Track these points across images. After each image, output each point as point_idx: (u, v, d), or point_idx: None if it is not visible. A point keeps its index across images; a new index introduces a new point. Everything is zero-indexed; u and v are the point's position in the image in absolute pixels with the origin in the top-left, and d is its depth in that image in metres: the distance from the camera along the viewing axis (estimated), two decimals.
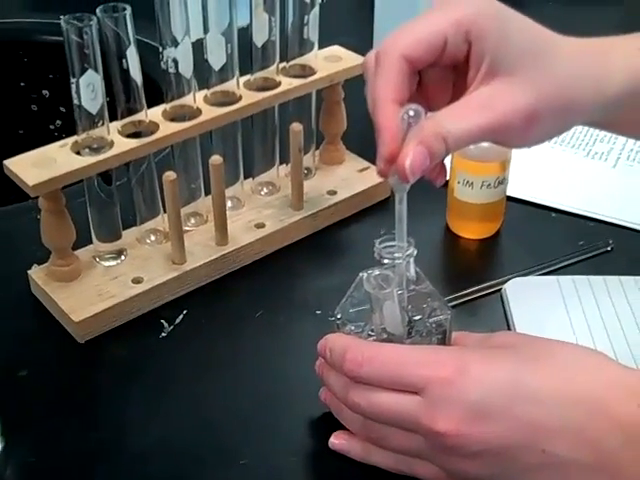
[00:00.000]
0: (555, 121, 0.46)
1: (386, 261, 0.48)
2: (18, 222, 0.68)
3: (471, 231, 0.66)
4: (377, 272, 0.46)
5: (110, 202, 0.60)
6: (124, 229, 0.62)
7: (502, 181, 0.63)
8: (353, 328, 0.49)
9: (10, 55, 0.92)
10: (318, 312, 0.59)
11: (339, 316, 0.50)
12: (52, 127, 0.94)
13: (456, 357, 0.43)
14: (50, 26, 0.91)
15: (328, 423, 0.50)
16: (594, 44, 0.48)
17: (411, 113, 0.43)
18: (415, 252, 0.48)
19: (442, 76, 0.47)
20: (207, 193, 0.63)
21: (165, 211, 0.61)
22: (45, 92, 0.93)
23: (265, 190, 0.68)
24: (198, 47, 0.60)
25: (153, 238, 0.63)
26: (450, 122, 0.43)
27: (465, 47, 0.44)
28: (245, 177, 0.67)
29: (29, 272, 0.60)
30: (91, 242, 0.61)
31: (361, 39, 0.80)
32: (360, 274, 0.48)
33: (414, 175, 0.43)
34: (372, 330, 0.48)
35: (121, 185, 0.61)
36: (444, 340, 0.49)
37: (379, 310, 0.47)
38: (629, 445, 0.40)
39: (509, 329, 0.58)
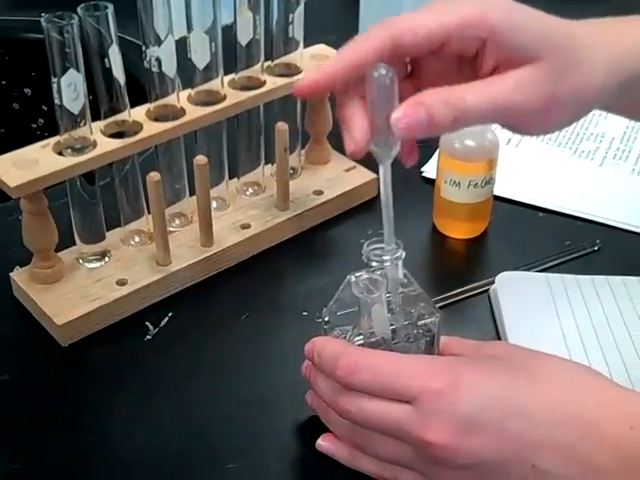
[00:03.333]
0: (574, 106, 0.45)
1: (374, 264, 0.47)
2: None
3: (458, 231, 0.65)
4: (365, 276, 0.46)
5: (93, 203, 0.59)
6: (108, 230, 0.61)
7: (489, 181, 0.63)
8: (341, 331, 0.49)
9: None
10: (305, 313, 0.59)
11: (327, 319, 0.49)
12: (34, 126, 0.93)
13: (449, 368, 0.43)
14: (32, 24, 0.90)
15: (315, 426, 0.49)
16: (607, 26, 0.47)
17: (382, 71, 0.41)
18: (403, 255, 0.47)
19: (443, 67, 0.46)
20: (192, 193, 0.63)
21: (149, 212, 0.60)
22: (27, 90, 0.92)
23: (250, 190, 0.67)
24: (182, 46, 0.60)
25: (137, 239, 0.62)
26: (468, 94, 0.42)
27: (476, 43, 0.44)
28: (230, 177, 0.66)
29: (11, 274, 0.60)
30: (74, 243, 0.61)
31: (347, 37, 0.79)
32: (348, 277, 0.48)
33: (405, 132, 0.41)
34: (360, 333, 0.47)
35: (104, 185, 0.60)
36: (432, 343, 0.49)
37: (367, 314, 0.46)
38: (619, 466, 0.40)
39: (497, 328, 0.57)
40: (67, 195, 0.59)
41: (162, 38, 0.57)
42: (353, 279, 0.47)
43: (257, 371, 0.55)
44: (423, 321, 0.48)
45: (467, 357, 0.46)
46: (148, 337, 0.57)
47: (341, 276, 0.51)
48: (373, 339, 0.47)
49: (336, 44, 0.70)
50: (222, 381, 0.55)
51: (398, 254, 0.47)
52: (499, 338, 0.57)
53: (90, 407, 0.53)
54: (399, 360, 0.44)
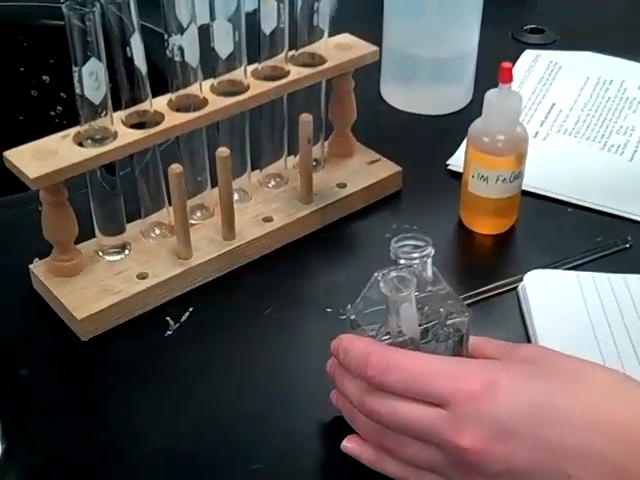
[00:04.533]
0: None
1: (402, 261, 0.46)
2: (18, 213, 0.65)
3: (485, 226, 0.64)
4: (394, 274, 0.44)
5: (113, 193, 0.58)
6: (127, 222, 0.60)
7: (518, 175, 0.61)
8: (368, 329, 0.47)
9: (10, 39, 0.89)
10: (328, 310, 0.58)
11: (353, 317, 0.48)
12: (53, 113, 0.92)
13: (484, 372, 0.42)
14: (51, 10, 0.89)
15: (340, 427, 0.48)
16: None
17: None
18: (433, 252, 0.46)
19: None
20: (213, 185, 0.62)
21: (170, 203, 0.59)
22: (45, 77, 0.91)
23: (272, 182, 0.66)
24: (204, 34, 0.58)
25: (158, 232, 0.61)
26: None
27: None
28: (252, 169, 0.65)
29: (30, 267, 0.58)
30: (93, 235, 0.60)
31: (370, 26, 0.77)
32: (375, 274, 0.47)
33: None
34: (388, 332, 0.46)
35: (124, 176, 0.59)
36: (461, 343, 0.47)
37: (395, 312, 0.45)
38: None
39: (525, 327, 0.56)
40: (87, 185, 0.57)
41: (185, 26, 0.56)
42: (381, 277, 0.45)
43: (280, 368, 0.54)
44: (452, 320, 0.47)
45: (501, 360, 0.45)
46: (169, 332, 0.56)
47: (365, 271, 0.49)
48: (401, 339, 0.46)
49: (360, 32, 0.69)
50: (244, 378, 0.53)
51: (427, 251, 0.46)
52: (528, 337, 0.55)
53: (109, 403, 0.52)
54: (432, 361, 0.43)
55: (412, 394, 0.42)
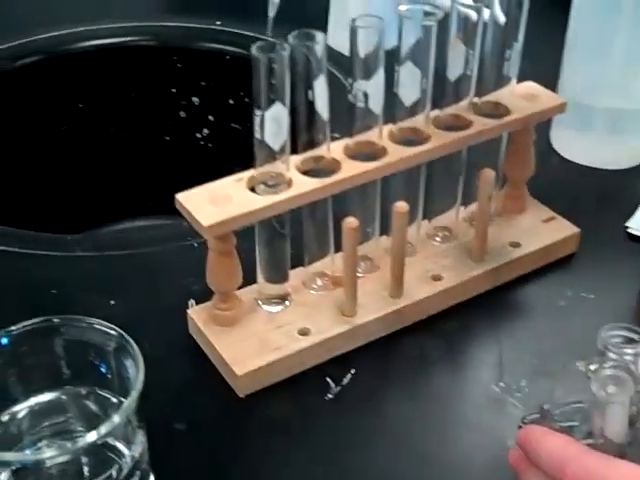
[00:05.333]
0: None
1: (612, 355, 0.41)
2: (172, 248, 0.63)
3: None
4: (609, 372, 0.40)
5: (281, 233, 0.55)
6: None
7: None
8: (561, 422, 0.43)
9: (164, 60, 0.88)
10: (501, 384, 0.53)
11: (546, 407, 0.44)
12: (198, 136, 0.90)
13: None
14: (206, 32, 0.87)
15: None
16: None
17: None
18: None
19: None
20: (380, 234, 0.58)
21: (336, 251, 0.56)
22: (195, 99, 0.89)
23: (440, 235, 0.62)
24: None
25: (320, 283, 0.57)
26: None
27: None
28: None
29: (188, 312, 0.56)
30: (250, 282, 0.56)
31: (544, 66, 0.72)
32: (577, 364, 0.42)
33: None
34: (589, 433, 0.42)
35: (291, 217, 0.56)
36: None
37: (603, 413, 0.40)
38: None
39: None
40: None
41: (372, 72, 0.53)
42: (586, 368, 0.41)
43: (447, 446, 0.50)
44: None
45: None
46: (329, 395, 0.53)
47: (540, 344, 0.45)
48: (601, 440, 0.41)
49: (535, 74, 0.64)
50: (406, 453, 0.50)
51: None
52: None
53: (264, 467, 0.49)
54: None
55: None
